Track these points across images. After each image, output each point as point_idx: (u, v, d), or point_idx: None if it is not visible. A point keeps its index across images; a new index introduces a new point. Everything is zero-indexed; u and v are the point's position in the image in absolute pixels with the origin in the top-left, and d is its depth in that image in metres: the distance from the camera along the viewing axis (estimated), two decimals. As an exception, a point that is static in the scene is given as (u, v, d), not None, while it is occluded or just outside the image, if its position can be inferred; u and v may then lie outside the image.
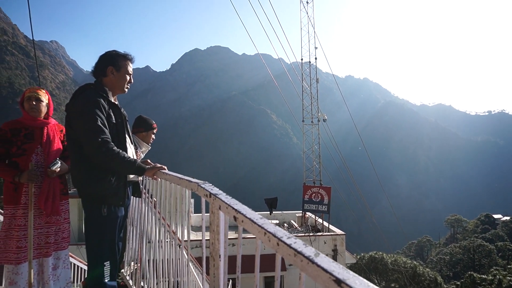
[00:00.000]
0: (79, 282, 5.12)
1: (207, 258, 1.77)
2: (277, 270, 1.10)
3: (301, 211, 18.78)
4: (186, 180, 1.88)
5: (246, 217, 1.20)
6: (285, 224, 19.73)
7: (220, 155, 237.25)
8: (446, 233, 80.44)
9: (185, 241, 2.97)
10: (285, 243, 0.98)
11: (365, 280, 0.75)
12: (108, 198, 2.31)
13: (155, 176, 2.40)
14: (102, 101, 2.28)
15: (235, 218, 1.28)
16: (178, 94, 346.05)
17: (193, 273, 2.76)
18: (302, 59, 21.04)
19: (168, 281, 2.96)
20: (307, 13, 20.71)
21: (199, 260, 2.15)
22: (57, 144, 2.76)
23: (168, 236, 3.28)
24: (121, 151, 2.21)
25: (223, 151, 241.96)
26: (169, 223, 3.46)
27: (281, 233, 1.05)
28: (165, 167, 2.38)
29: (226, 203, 1.36)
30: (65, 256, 2.83)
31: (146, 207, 3.32)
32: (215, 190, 1.54)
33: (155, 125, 3.65)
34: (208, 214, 1.68)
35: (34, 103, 2.68)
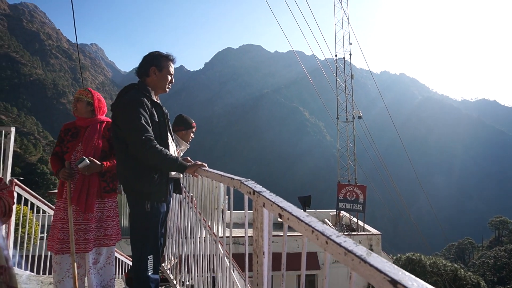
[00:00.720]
0: (122, 275, 5.32)
1: (250, 255, 1.79)
2: (326, 268, 1.09)
3: (335, 210, 18.53)
4: (229, 177, 1.91)
5: (292, 214, 1.19)
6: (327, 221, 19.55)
7: (253, 153, 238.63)
8: (490, 236, 76.35)
9: (220, 237, 3.03)
10: (335, 242, 0.97)
11: (421, 281, 0.72)
12: (152, 195, 2.38)
13: (195, 174, 2.44)
14: (146, 100, 2.36)
15: (280, 215, 1.28)
16: (211, 92, 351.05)
17: (230, 269, 2.78)
18: (336, 55, 20.69)
19: (205, 276, 3.03)
20: (342, 8, 20.33)
21: (240, 256, 2.18)
22: (96, 142, 2.81)
23: (205, 232, 3.35)
24: (163, 148, 2.28)
25: (255, 148, 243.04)
26: (206, 219, 3.54)
27: (330, 231, 1.04)
28: (205, 165, 2.43)
29: (270, 201, 1.36)
30: (109, 252, 2.90)
31: (185, 204, 3.41)
32: (258, 187, 1.55)
33: (194, 124, 3.72)
34: (250, 211, 1.70)
35: (75, 104, 2.85)
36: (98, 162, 2.68)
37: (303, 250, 1.21)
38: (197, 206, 3.42)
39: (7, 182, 3.89)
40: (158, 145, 2.25)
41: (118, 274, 5.80)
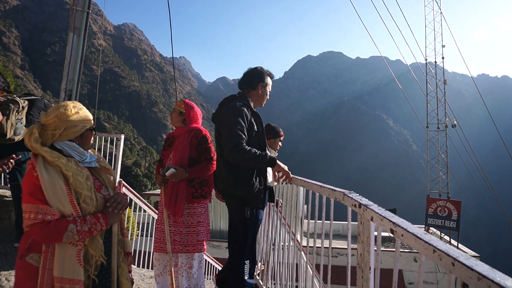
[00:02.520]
0: (212, 276, 5.57)
1: (350, 268, 1.76)
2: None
3: (423, 226, 17.13)
4: (329, 188, 1.89)
5: (408, 231, 1.14)
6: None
7: (332, 162, 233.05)
8: None
9: (304, 246, 3.01)
10: (464, 264, 0.90)
11: None
12: (251, 201, 2.47)
13: (289, 179, 2.51)
14: (246, 110, 2.48)
15: (392, 231, 1.24)
16: (291, 100, 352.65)
17: (312, 279, 2.74)
18: (426, 59, 19.25)
19: (288, 284, 3.04)
20: (433, 9, 18.93)
21: (324, 267, 2.15)
22: (184, 150, 2.94)
23: (290, 240, 3.37)
24: (252, 148, 2.34)
25: (335, 157, 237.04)
26: (291, 227, 3.55)
27: (455, 252, 0.97)
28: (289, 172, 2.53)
29: (380, 215, 1.32)
30: (200, 257, 3.02)
31: (273, 212, 3.48)
32: (364, 200, 1.52)
33: (282, 133, 3.79)
34: (342, 222, 1.66)
35: (172, 115, 3.10)
36: (183, 169, 2.81)
37: (420, 270, 1.15)
38: (283, 214, 3.46)
39: (116, 183, 4.39)
40: (247, 146, 2.33)
41: (205, 275, 6.10)
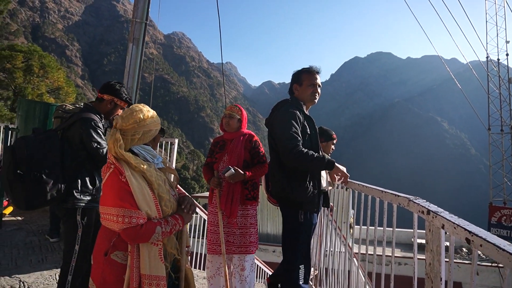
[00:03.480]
0: (264, 280, 5.58)
1: (416, 278, 1.66)
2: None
3: (485, 236, 15.87)
4: (392, 194, 1.81)
5: (488, 241, 1.05)
6: (463, 249, 17.05)
7: (380, 167, 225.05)
8: None
9: (355, 252, 2.90)
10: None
11: None
12: (305, 205, 2.45)
13: (345, 182, 2.46)
14: (298, 113, 2.47)
15: (468, 240, 1.15)
16: (337, 103, 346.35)
17: (365, 286, 2.64)
18: (488, 56, 17.94)
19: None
20: (496, 2, 17.63)
21: (377, 276, 2.04)
22: (239, 153, 3.01)
23: (342, 246, 3.28)
24: (309, 150, 2.32)
25: (384, 162, 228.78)
26: (343, 234, 3.45)
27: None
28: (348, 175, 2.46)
29: (453, 223, 1.23)
30: (252, 260, 3.05)
31: (325, 217, 3.41)
32: (433, 207, 1.43)
33: (334, 136, 3.72)
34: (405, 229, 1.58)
35: (227, 120, 3.11)
36: (241, 171, 2.86)
37: (504, 283, 1.06)
38: (336, 219, 3.39)
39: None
40: (304, 149, 2.31)
41: (256, 278, 6.13)
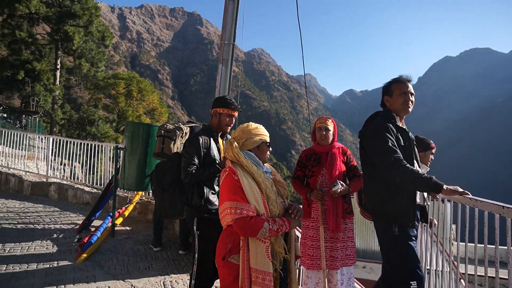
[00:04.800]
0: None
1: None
2: None
3: None
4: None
5: None
6: None
7: (482, 175, 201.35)
8: None
9: (462, 273, 2.61)
10: None
11: None
12: (398, 218, 2.32)
13: (456, 196, 2.24)
14: (391, 125, 2.39)
15: None
16: (427, 108, 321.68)
17: None
18: None
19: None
20: None
21: None
22: (339, 166, 2.98)
23: (447, 266, 2.98)
24: (414, 168, 2.19)
25: (486, 170, 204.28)
26: (447, 251, 3.14)
27: None
28: (468, 193, 2.18)
29: None
30: (349, 273, 2.98)
31: (425, 232, 3.15)
32: None
33: (433, 145, 3.45)
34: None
35: (324, 133, 3.05)
36: (346, 185, 2.83)
37: None
38: (437, 235, 3.11)
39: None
40: (408, 165, 2.19)
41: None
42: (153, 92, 43.37)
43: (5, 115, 32.13)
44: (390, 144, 2.26)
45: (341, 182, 2.80)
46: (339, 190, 2.74)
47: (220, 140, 2.81)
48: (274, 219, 1.77)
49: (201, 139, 2.64)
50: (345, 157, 3.08)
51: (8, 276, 3.29)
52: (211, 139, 2.71)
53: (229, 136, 3.83)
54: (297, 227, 3.01)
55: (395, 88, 2.51)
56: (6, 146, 8.55)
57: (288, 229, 1.83)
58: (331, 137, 3.06)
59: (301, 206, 2.52)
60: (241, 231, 1.74)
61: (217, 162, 2.66)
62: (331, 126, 3.09)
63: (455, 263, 2.72)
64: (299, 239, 3.13)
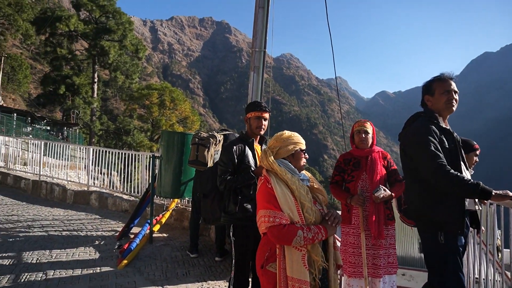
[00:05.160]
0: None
1: None
2: None
3: None
4: None
5: None
6: None
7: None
8: None
9: None
10: None
11: None
12: (445, 225, 2.20)
13: (506, 201, 2.10)
14: (434, 127, 2.26)
15: None
16: (465, 108, 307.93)
17: None
18: None
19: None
20: None
21: None
22: (380, 171, 2.90)
23: (498, 275, 2.81)
24: (459, 173, 2.08)
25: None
26: (497, 259, 2.96)
27: None
28: None
29: None
30: (392, 281, 2.87)
31: (472, 239, 2.99)
32: None
33: (476, 146, 3.27)
34: None
35: (363, 136, 2.97)
36: (389, 191, 2.74)
37: None
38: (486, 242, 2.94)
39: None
40: (452, 170, 2.08)
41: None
42: (185, 101, 44.46)
43: (48, 128, 33.95)
44: (433, 148, 2.13)
45: (384, 187, 2.71)
46: (381, 196, 2.66)
47: (258, 147, 2.82)
48: (309, 226, 1.75)
49: (234, 147, 2.69)
50: (385, 161, 3.00)
51: (55, 281, 3.45)
52: (246, 146, 2.73)
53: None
54: (337, 235, 2.96)
55: (437, 86, 2.37)
56: (50, 157, 9.02)
57: (325, 237, 1.79)
58: (370, 141, 2.98)
59: (339, 213, 2.47)
60: (275, 239, 1.74)
61: (252, 168, 2.67)
62: (370, 129, 3.01)
63: (508, 274, 2.56)
64: (339, 246, 3.05)
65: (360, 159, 2.97)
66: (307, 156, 2.05)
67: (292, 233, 1.68)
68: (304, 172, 2.04)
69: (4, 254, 4.06)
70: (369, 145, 2.98)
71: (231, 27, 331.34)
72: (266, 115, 2.81)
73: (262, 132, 2.81)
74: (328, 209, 1.97)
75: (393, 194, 2.76)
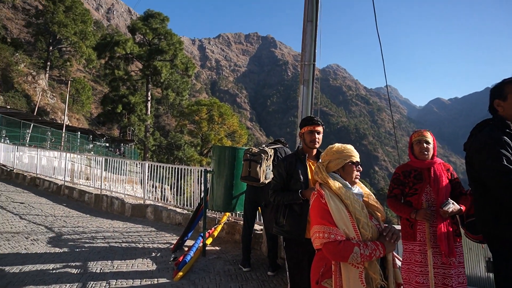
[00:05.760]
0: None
1: None
2: None
3: None
4: None
5: None
6: None
7: None
8: None
9: None
10: None
11: None
12: None
13: None
14: (505, 138, 2.04)
15: None
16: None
17: None
18: None
19: None
20: None
21: None
22: (445, 183, 2.71)
23: None
24: None
25: None
26: None
27: None
28: None
29: None
30: None
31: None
32: None
33: None
34: None
35: (424, 146, 2.80)
36: (457, 205, 2.57)
37: None
38: None
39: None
40: None
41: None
42: (233, 115, 45.50)
43: (107, 144, 36.27)
44: (505, 162, 1.92)
45: (452, 201, 2.54)
46: (450, 210, 2.49)
47: (313, 162, 2.80)
48: (366, 243, 1.69)
49: (285, 162, 2.74)
50: (448, 173, 2.81)
51: (117, 291, 3.63)
52: (298, 161, 2.73)
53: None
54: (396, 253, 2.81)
55: (511, 89, 2.14)
56: (110, 172, 9.61)
57: (383, 253, 1.72)
58: (432, 151, 2.82)
59: (397, 228, 2.35)
60: (331, 256, 1.70)
61: (302, 182, 2.64)
62: (430, 138, 2.84)
63: None
64: (401, 264, 2.86)
65: (422, 171, 2.79)
66: (360, 169, 1.98)
67: (349, 250, 1.64)
68: (359, 186, 1.98)
69: (72, 264, 4.36)
70: (430, 156, 2.82)
71: (276, 41, 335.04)
72: (319, 128, 2.78)
73: (316, 146, 2.79)
74: (386, 224, 1.89)
75: (462, 208, 2.57)
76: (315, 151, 2.82)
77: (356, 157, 1.97)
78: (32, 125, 23.85)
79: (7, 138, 19.96)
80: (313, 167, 2.72)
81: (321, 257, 1.82)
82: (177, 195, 7.87)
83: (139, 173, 9.58)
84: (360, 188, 1.97)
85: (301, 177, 2.66)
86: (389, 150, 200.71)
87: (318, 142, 2.78)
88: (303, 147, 2.84)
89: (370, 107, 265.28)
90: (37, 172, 12.17)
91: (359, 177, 1.98)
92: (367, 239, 1.72)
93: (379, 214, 1.92)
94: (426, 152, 2.79)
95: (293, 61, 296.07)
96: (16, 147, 14.90)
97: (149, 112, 41.95)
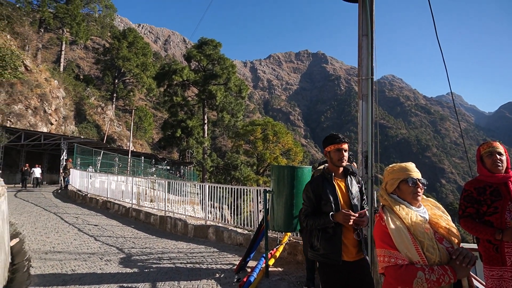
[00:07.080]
0: None
1: None
2: None
3: None
4: None
5: None
6: None
7: None
8: None
9: None
10: None
11: None
12: None
13: None
14: None
15: None
16: None
17: None
18: None
19: None
20: None
21: None
22: None
23: None
24: None
25: None
26: None
27: None
28: None
29: None
30: None
31: None
32: None
33: None
34: None
35: (498, 157, 2.58)
36: None
37: None
38: None
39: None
40: None
41: None
42: (287, 133, 45.60)
43: (168, 167, 38.07)
44: None
45: None
46: None
47: (341, 180, 2.64)
48: (433, 267, 1.58)
49: (312, 185, 2.62)
50: None
51: (185, 312, 3.70)
52: (325, 181, 2.59)
53: (355, 169, 3.70)
54: (477, 277, 2.56)
55: None
56: (172, 194, 10.02)
57: (454, 279, 1.58)
58: (505, 163, 2.58)
59: (471, 247, 2.14)
60: (393, 281, 1.62)
61: (332, 202, 2.50)
62: (502, 150, 2.61)
63: None
64: None
65: (498, 186, 2.54)
66: (420, 186, 1.82)
67: (411, 275, 1.55)
68: (428, 204, 1.88)
69: (142, 284, 4.55)
70: (504, 168, 2.57)
71: (327, 56, 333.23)
72: (346, 146, 2.66)
73: (344, 164, 2.64)
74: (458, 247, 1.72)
75: None
76: (341, 169, 2.67)
77: (412, 173, 1.85)
78: (102, 152, 25.86)
79: (85, 166, 21.83)
80: (342, 186, 2.58)
81: (388, 282, 1.72)
82: (235, 214, 7.95)
83: (199, 194, 9.87)
84: (427, 208, 1.86)
85: (330, 197, 2.52)
86: (457, 162, 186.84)
87: (345, 160, 2.66)
88: (329, 166, 2.71)
89: (431, 116, 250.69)
90: (108, 196, 13.07)
91: (420, 195, 1.84)
92: (434, 263, 1.61)
93: (452, 237, 1.75)
94: (500, 164, 2.56)
95: (346, 75, 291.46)
96: (90, 174, 16.18)
97: (206, 135, 43.47)
